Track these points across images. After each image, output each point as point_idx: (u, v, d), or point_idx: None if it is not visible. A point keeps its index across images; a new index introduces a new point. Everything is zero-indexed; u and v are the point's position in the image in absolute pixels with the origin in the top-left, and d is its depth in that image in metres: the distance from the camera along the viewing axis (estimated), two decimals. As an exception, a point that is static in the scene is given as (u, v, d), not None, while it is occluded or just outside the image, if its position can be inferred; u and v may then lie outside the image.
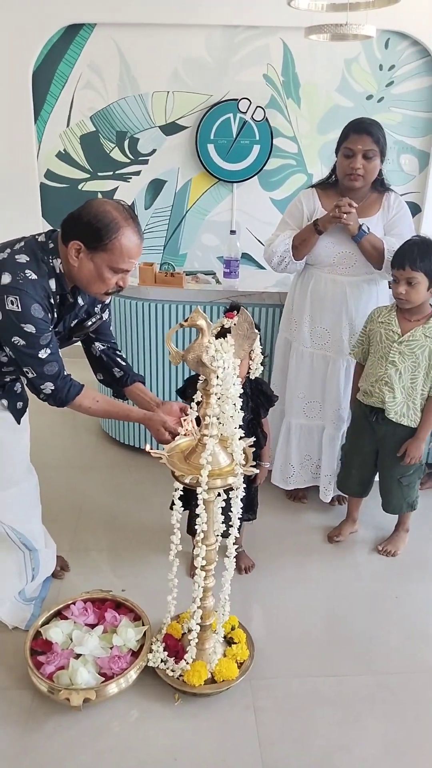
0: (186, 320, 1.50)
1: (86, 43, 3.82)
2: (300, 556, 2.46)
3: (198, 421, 1.65)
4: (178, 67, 3.87)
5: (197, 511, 1.61)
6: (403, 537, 2.50)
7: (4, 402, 1.92)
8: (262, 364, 2.03)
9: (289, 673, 1.93)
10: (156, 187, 4.14)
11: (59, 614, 2.00)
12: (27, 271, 1.67)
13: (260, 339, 2.85)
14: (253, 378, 2.05)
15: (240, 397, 1.79)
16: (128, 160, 4.07)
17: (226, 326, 1.79)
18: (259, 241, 4.24)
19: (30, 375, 1.72)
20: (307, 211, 2.45)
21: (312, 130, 4.03)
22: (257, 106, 3.90)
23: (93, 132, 4.00)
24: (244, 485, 1.80)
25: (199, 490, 1.56)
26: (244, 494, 1.74)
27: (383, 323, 2.24)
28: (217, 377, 1.51)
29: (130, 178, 4.12)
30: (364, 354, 2.35)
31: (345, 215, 2.25)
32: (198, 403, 1.63)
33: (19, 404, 1.98)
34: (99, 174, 4.10)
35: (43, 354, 1.69)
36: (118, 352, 2.07)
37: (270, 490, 2.75)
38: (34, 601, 2.11)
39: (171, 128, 4.01)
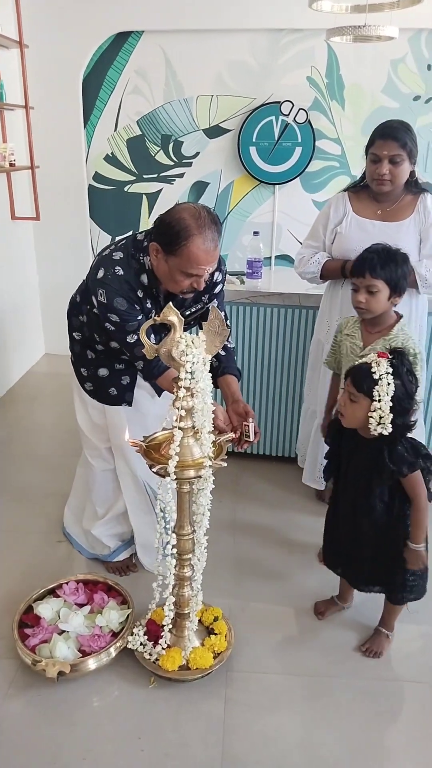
0: (159, 315, 1.56)
1: (134, 49, 3.96)
2: (308, 558, 2.47)
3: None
4: (223, 71, 3.94)
5: (164, 499, 1.67)
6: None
7: None
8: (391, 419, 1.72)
9: (269, 669, 1.96)
10: (199, 189, 4.22)
11: (53, 592, 2.11)
12: (117, 267, 1.85)
13: (279, 339, 2.94)
14: (376, 434, 1.71)
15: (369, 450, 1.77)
16: (172, 163, 4.18)
17: (374, 370, 1.67)
18: (300, 243, 4.24)
19: (127, 354, 1.97)
20: (335, 218, 2.45)
21: (356, 131, 3.99)
22: (300, 108, 3.91)
23: (139, 135, 4.14)
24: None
25: (167, 479, 1.62)
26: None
27: (348, 335, 2.14)
28: (186, 372, 1.56)
29: (174, 180, 4.22)
30: (338, 364, 2.24)
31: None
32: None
33: None
34: (144, 176, 4.23)
35: (130, 339, 1.89)
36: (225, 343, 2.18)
37: (295, 491, 2.77)
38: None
39: (214, 131, 4.08)
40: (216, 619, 2.02)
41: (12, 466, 3.12)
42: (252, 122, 3.98)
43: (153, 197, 4.27)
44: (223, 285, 2.14)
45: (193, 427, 1.67)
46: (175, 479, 1.62)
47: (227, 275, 3.07)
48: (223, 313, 2.16)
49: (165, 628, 1.84)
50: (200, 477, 1.67)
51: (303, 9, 3.00)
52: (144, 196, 4.28)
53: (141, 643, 1.93)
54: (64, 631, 1.93)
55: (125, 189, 4.27)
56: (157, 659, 1.88)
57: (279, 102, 3.92)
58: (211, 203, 4.24)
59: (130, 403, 2.15)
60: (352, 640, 2.07)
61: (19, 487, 2.93)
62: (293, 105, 3.91)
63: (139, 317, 1.88)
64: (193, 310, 2.07)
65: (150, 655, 1.90)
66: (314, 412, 2.75)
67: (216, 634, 1.98)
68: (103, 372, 2.12)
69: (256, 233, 3.05)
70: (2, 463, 3.15)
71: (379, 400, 1.67)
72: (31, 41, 3.81)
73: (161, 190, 4.25)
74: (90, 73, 4.01)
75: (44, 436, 3.43)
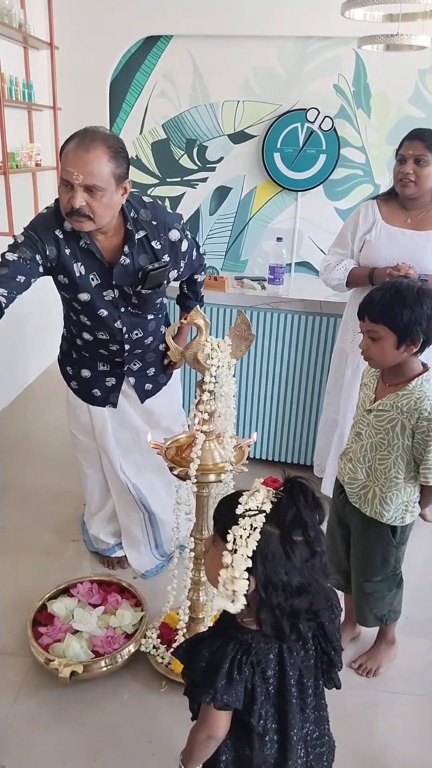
0: (185, 318, 1.56)
1: (162, 53, 3.98)
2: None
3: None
4: (250, 77, 3.95)
5: (184, 502, 1.66)
6: (385, 650, 1.99)
7: (131, 380, 2.12)
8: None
9: (280, 678, 1.94)
10: (222, 193, 4.23)
11: (67, 591, 2.11)
12: (50, 205, 1.90)
13: (299, 345, 2.92)
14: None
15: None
16: (196, 167, 4.20)
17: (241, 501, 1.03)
18: (321, 250, 4.24)
19: None
20: (364, 226, 2.42)
21: (381, 140, 3.98)
22: (325, 116, 3.91)
23: (164, 139, 4.15)
24: None
25: (188, 482, 1.61)
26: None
27: (366, 385, 1.79)
28: (210, 375, 1.56)
29: (197, 184, 4.23)
30: None
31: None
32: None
33: (148, 386, 2.15)
34: (168, 180, 4.25)
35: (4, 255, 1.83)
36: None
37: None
38: (165, 557, 2.36)
39: (239, 137, 4.09)
40: (229, 625, 2.01)
41: (26, 464, 3.13)
42: (277, 129, 3.98)
43: (175, 201, 4.28)
44: (190, 248, 1.99)
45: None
46: (196, 482, 1.61)
47: (249, 280, 3.08)
48: (203, 270, 2.18)
49: (179, 631, 1.83)
50: (221, 481, 1.66)
51: (333, 17, 3.00)
52: (167, 200, 4.29)
53: (154, 646, 1.92)
54: (77, 631, 1.93)
55: (148, 192, 4.28)
56: (169, 663, 1.87)
57: (305, 109, 3.92)
58: (234, 208, 4.24)
59: (114, 405, 2.14)
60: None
61: (33, 485, 2.94)
62: (319, 112, 3.91)
63: (30, 258, 1.83)
64: (152, 267, 1.86)
65: (162, 658, 1.89)
66: (334, 421, 2.72)
67: (229, 640, 1.96)
68: (85, 373, 2.11)
69: (279, 239, 3.04)
70: (17, 460, 3.16)
71: (234, 551, 1.00)
72: (61, 43, 3.85)
73: (184, 194, 4.26)
74: (118, 75, 4.04)
75: (59, 434, 3.44)
